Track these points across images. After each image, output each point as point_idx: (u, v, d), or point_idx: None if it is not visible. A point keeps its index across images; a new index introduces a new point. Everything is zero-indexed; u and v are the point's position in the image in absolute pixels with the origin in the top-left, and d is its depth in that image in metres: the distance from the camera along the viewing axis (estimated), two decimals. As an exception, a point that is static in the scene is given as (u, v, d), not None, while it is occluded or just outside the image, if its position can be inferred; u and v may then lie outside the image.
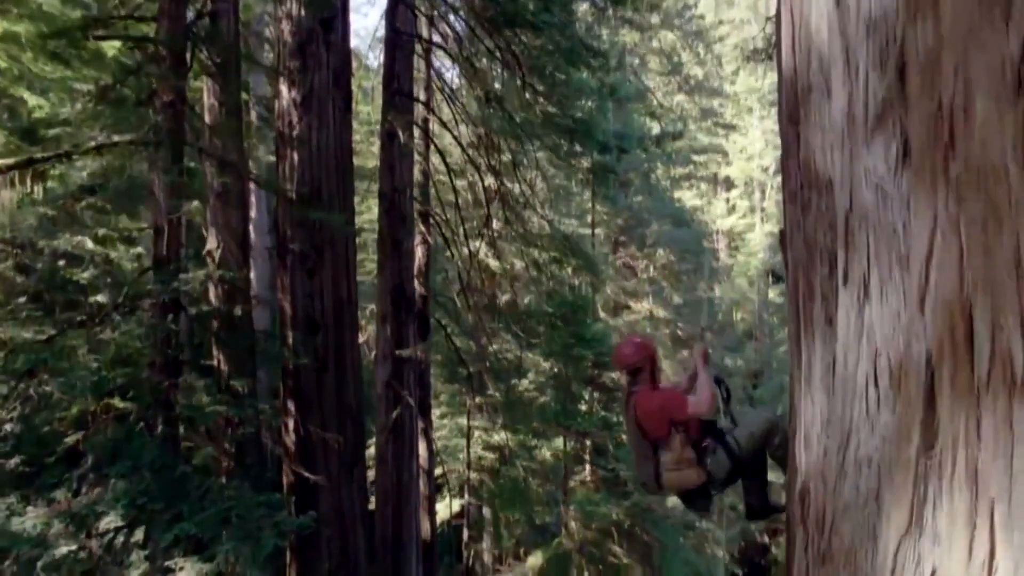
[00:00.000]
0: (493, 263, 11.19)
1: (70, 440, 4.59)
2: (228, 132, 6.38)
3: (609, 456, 5.88)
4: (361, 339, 10.65)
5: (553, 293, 9.71)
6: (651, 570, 6.60)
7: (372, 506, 9.57)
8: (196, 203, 5.55)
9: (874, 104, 0.90)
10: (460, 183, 10.07)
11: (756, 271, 26.59)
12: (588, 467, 6.45)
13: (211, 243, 7.04)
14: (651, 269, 14.47)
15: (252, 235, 9.21)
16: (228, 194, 6.79)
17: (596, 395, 6.41)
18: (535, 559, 6.00)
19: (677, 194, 25.94)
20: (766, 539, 17.74)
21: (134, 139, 5.02)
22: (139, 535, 4.37)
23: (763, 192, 26.15)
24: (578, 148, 7.71)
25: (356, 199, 10.00)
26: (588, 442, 6.14)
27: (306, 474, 6.41)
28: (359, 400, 8.45)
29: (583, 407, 6.48)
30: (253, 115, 10.92)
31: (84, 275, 4.62)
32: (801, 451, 0.96)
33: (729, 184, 28.25)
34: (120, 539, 4.30)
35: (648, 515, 5.82)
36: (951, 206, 0.75)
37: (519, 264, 10.09)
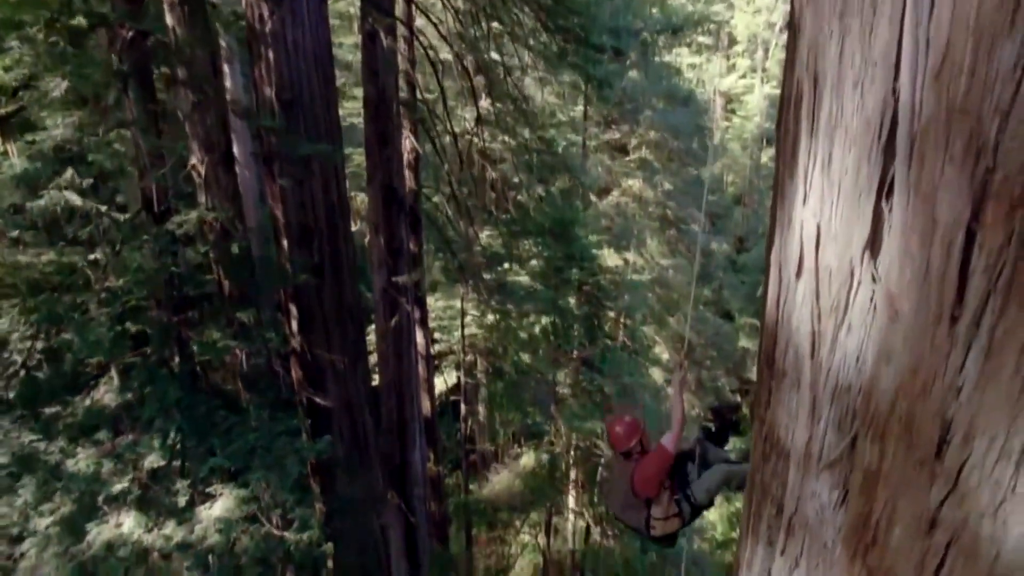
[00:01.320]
0: (486, 151, 10.99)
1: (101, 385, 4.99)
2: (195, 44, 5.94)
3: (595, 371, 6.43)
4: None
5: (543, 196, 9.71)
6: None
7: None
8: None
9: (828, 452, 1.09)
10: (448, 82, 9.53)
11: (751, 135, 25.94)
12: (576, 380, 7.09)
13: (194, 157, 6.92)
14: (643, 148, 14.20)
15: (235, 143, 8.93)
16: (205, 104, 6.51)
17: (584, 309, 6.79)
18: (528, 459, 6.84)
19: (675, 51, 24.32)
20: (738, 397, 19.63)
21: (99, 80, 4.76)
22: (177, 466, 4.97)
23: (766, 51, 24.55)
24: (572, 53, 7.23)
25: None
26: (575, 354, 6.67)
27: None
28: (357, 299, 8.86)
29: (573, 319, 6.92)
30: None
31: (83, 232, 4.68)
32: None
33: (731, 40, 26.38)
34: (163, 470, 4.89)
35: (626, 398, 6.58)
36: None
37: (508, 161, 9.94)
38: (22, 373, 4.83)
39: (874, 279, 0.91)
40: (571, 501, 6.36)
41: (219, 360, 5.57)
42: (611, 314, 6.72)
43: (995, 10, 0.69)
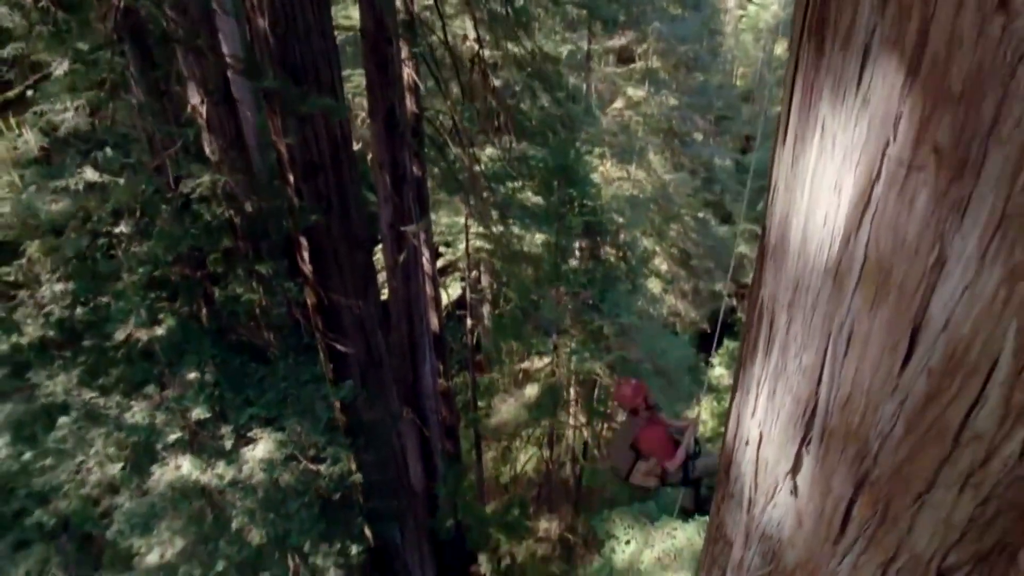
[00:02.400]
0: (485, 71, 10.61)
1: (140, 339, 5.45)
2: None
3: (594, 310, 6.83)
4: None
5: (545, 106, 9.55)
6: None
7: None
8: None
9: (754, 571, 1.49)
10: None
11: (766, 24, 24.36)
12: (577, 319, 7.51)
13: (194, 98, 6.90)
14: (650, 56, 13.64)
15: (233, 84, 8.71)
16: (201, 48, 6.38)
17: (585, 249, 7.03)
18: (531, 389, 7.45)
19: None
20: (733, 302, 20.37)
21: (98, 46, 4.73)
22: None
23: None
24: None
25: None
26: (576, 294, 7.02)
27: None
28: (365, 230, 9.13)
29: (574, 264, 7.18)
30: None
31: (107, 206, 4.89)
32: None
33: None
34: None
35: (628, 366, 7.06)
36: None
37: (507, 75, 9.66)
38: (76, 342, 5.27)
39: (792, 493, 1.27)
40: (571, 420, 7.09)
41: (245, 313, 5.99)
42: (611, 250, 6.99)
43: (881, 382, 0.99)
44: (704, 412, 18.03)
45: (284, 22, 7.35)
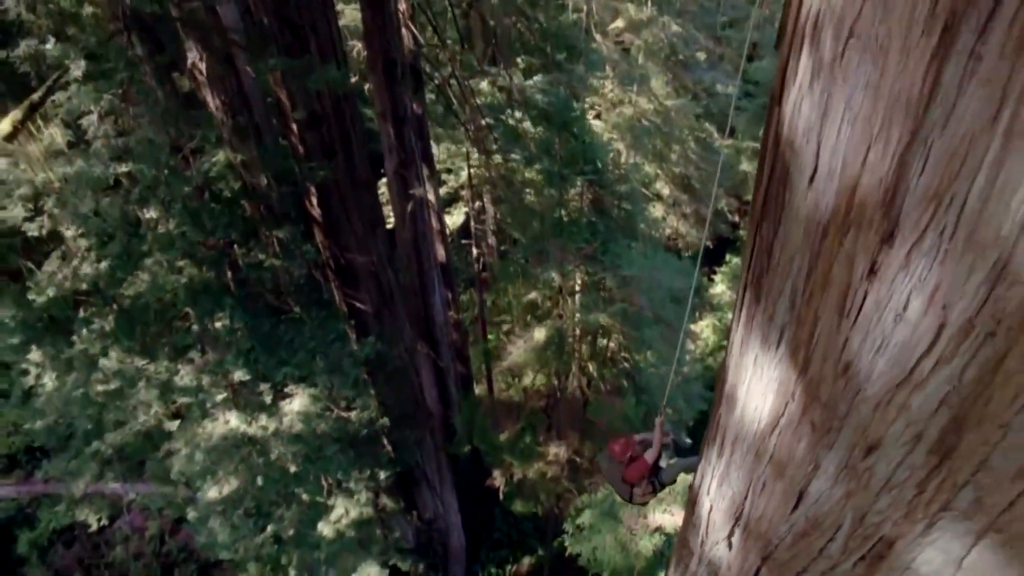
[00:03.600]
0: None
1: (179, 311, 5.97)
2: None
3: (598, 261, 7.14)
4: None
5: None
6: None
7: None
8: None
9: None
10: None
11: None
12: (581, 273, 7.78)
13: (192, 55, 6.93)
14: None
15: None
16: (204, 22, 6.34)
17: (588, 199, 7.22)
18: (539, 333, 7.94)
19: None
20: (736, 218, 20.53)
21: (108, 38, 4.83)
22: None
23: None
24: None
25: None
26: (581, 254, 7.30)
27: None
28: (369, 174, 9.34)
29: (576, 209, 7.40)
30: None
31: (134, 193, 5.19)
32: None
33: None
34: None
35: (629, 316, 7.47)
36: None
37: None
38: (116, 311, 5.78)
39: (728, 547, 1.79)
40: (576, 363, 7.72)
41: (270, 278, 6.44)
42: (613, 201, 7.19)
43: (780, 516, 1.46)
44: (706, 329, 18.91)
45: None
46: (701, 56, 16.22)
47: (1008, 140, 0.86)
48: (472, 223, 13.47)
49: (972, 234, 0.95)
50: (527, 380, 9.33)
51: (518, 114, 11.49)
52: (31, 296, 5.46)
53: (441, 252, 13.28)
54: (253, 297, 6.37)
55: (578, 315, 7.45)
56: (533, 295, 9.36)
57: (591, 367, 8.16)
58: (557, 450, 8.70)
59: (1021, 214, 0.88)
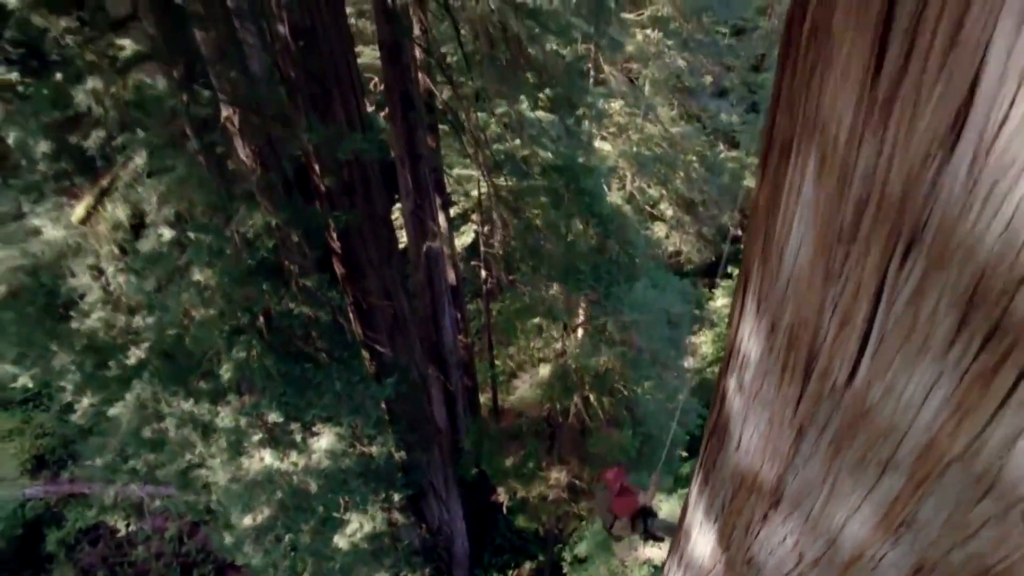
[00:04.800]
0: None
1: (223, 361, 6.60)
2: None
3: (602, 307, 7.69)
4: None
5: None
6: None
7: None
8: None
9: None
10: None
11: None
12: (585, 318, 8.34)
13: (226, 111, 7.52)
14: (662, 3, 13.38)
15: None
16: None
17: (593, 241, 7.76)
18: (544, 370, 8.55)
19: None
20: (739, 231, 21.05)
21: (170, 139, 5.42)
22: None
23: None
24: None
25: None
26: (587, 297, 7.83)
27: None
28: (387, 210, 9.97)
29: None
30: None
31: (185, 256, 5.81)
32: None
33: None
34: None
35: (628, 357, 8.07)
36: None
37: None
38: (159, 355, 6.41)
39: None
40: (577, 397, 8.34)
41: (299, 325, 7.07)
42: (618, 247, 7.74)
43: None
44: (704, 345, 19.53)
45: (306, 32, 7.74)
46: (708, 79, 16.66)
47: (832, 491, 1.46)
48: (481, 245, 14.06)
49: (816, 525, 1.55)
50: (532, 412, 9.99)
51: (526, 151, 12.07)
52: (74, 325, 6.10)
53: (452, 275, 13.90)
54: (284, 343, 7.00)
55: (580, 358, 8.06)
56: (538, 342, 9.98)
57: (592, 397, 8.78)
58: (558, 475, 9.36)
59: (843, 520, 1.48)
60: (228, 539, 6.86)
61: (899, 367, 1.18)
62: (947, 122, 0.94)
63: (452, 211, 15.66)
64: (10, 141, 5.08)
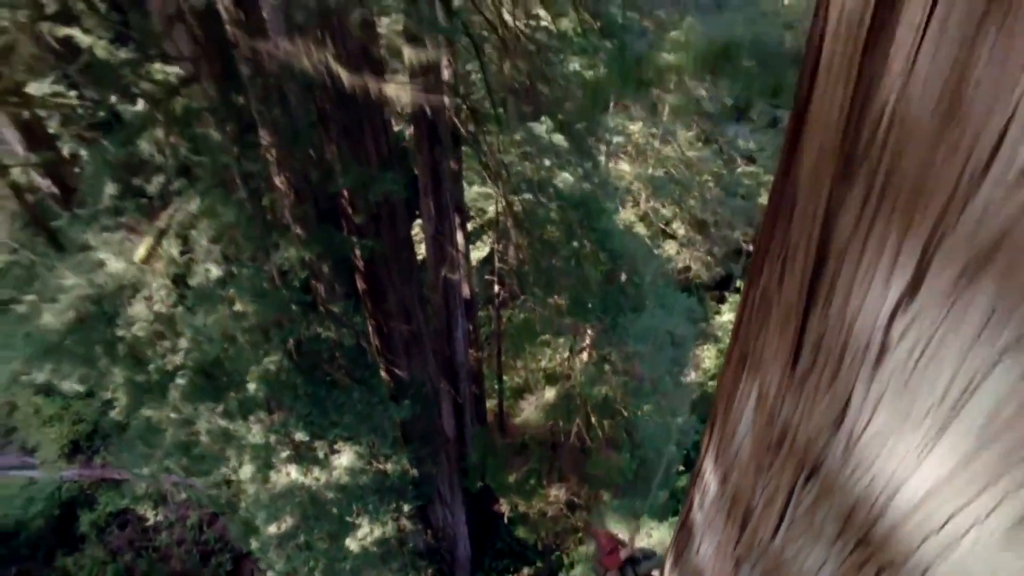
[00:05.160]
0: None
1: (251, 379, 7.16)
2: None
3: (608, 339, 8.14)
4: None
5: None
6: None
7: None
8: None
9: None
10: None
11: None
12: (591, 347, 8.78)
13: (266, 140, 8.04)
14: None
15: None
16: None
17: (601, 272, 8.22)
18: (549, 393, 9.02)
19: None
20: (749, 247, 21.38)
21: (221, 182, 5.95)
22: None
23: None
24: None
25: None
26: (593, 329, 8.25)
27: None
28: (408, 227, 10.47)
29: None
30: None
31: (228, 289, 6.36)
32: None
33: None
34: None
35: (630, 386, 8.48)
36: None
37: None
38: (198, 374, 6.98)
39: None
40: (580, 419, 8.81)
41: (326, 349, 7.61)
42: (625, 277, 8.16)
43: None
44: (707, 360, 19.94)
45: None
46: (728, 101, 16.98)
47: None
48: (496, 261, 14.55)
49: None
50: (537, 429, 10.51)
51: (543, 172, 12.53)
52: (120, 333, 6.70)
53: (466, 290, 14.40)
54: (312, 366, 7.56)
55: (584, 386, 8.56)
56: (544, 362, 10.47)
57: (593, 419, 9.27)
58: (558, 492, 9.87)
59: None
60: (255, 544, 7.45)
61: (802, 544, 1.67)
62: (832, 418, 1.44)
63: (469, 226, 16.17)
64: (83, 180, 5.66)
